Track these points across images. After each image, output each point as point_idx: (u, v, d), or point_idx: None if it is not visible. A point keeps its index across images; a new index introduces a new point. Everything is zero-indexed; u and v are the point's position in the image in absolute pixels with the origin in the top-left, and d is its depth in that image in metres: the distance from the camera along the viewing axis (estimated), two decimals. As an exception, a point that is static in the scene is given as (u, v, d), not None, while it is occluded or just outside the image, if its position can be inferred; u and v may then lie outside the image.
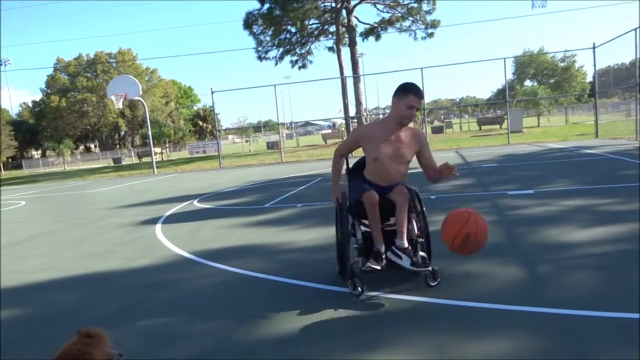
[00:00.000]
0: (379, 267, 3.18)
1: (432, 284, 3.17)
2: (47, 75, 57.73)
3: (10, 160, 53.69)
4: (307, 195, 8.68)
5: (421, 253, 3.30)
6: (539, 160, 11.16)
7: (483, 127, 34.18)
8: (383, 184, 3.39)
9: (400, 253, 3.13)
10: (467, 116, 59.99)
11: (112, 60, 56.80)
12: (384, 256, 3.19)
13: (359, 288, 3.15)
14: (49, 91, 57.70)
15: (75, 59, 57.64)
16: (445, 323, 2.67)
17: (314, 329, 2.75)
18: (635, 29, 13.63)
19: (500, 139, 20.02)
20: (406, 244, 3.17)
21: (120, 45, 71.97)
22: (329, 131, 50.97)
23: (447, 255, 3.79)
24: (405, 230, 3.19)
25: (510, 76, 46.42)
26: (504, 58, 18.44)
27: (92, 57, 57.38)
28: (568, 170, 8.90)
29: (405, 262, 3.11)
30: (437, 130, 35.84)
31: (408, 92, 3.27)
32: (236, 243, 5.22)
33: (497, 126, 32.55)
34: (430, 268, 3.17)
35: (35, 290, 4.12)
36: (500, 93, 43.81)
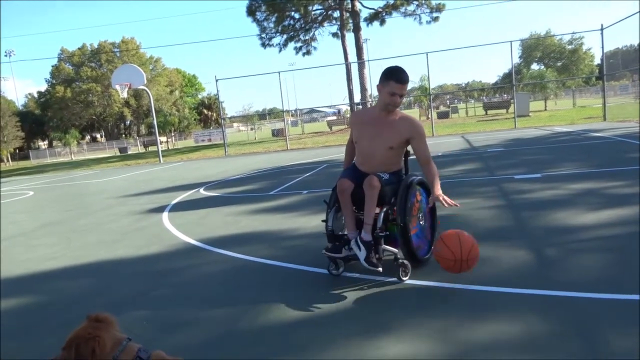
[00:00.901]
0: (333, 255, 3.18)
1: (404, 278, 3.07)
2: (52, 66, 57.79)
3: (17, 151, 54.02)
4: (313, 182, 8.68)
5: (388, 247, 3.17)
6: (546, 144, 11.08)
7: (489, 112, 33.94)
8: (366, 170, 3.29)
9: (361, 245, 3.04)
10: (473, 101, 59.57)
11: (115, 50, 56.73)
12: (346, 247, 3.15)
13: (332, 270, 3.27)
14: (54, 81, 57.81)
15: (79, 48, 57.63)
16: (453, 307, 2.68)
17: (321, 314, 2.77)
18: (645, 9, 13.40)
19: (507, 124, 19.87)
20: (369, 237, 3.06)
21: (124, 35, 71.79)
22: (334, 118, 50.79)
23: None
24: (370, 223, 3.06)
25: (516, 60, 45.90)
26: (511, 41, 18.18)
27: (96, 46, 57.33)
28: (575, 153, 8.83)
29: (361, 255, 3.02)
30: (443, 116, 35.63)
31: (389, 78, 3.13)
32: (243, 230, 5.24)
33: (504, 110, 32.29)
34: (380, 268, 3.02)
35: (47, 278, 4.17)
36: (507, 77, 43.40)
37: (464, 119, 30.73)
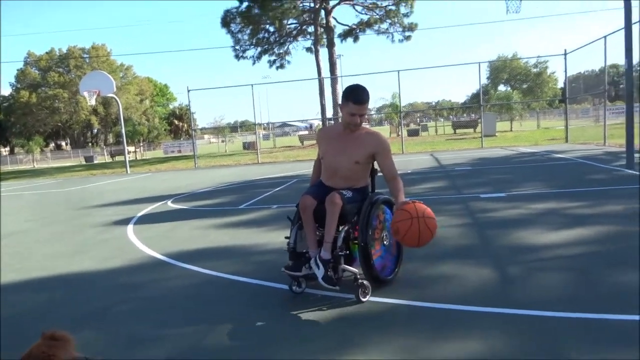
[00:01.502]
0: (292, 273, 3.13)
1: (363, 299, 3.02)
2: (17, 70, 56.09)
3: (-24, 157, 51.95)
4: (283, 196, 8.66)
5: (349, 267, 3.11)
6: (511, 164, 11.39)
7: (458, 131, 34.70)
8: (331, 185, 3.29)
9: (319, 263, 2.99)
10: (442, 119, 60.85)
11: (85, 56, 55.58)
12: (306, 265, 3.10)
13: (294, 288, 3.25)
14: (18, 86, 56.05)
15: (47, 53, 56.21)
16: (418, 324, 2.70)
17: (286, 331, 2.74)
18: (605, 37, 14.04)
19: (474, 143, 20.36)
20: (328, 256, 3.02)
21: (94, 40, 70.45)
22: (306, 132, 50.96)
23: (420, 258, 3.85)
24: (330, 241, 3.03)
25: (484, 81, 47.23)
26: (479, 62, 18.78)
27: (65, 51, 56.02)
28: (539, 174, 9.11)
29: (319, 274, 2.97)
30: (413, 133, 36.22)
31: (348, 98, 3.13)
32: (210, 244, 5.17)
33: (472, 130, 33.07)
34: (337, 288, 3.02)
35: (4, 291, 3.99)
36: (475, 97, 44.56)
37: (433, 137, 31.34)
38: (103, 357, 2.49)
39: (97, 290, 3.85)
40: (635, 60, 8.91)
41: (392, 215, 3.29)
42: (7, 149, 62.98)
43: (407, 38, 27.70)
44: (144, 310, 3.29)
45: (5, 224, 7.88)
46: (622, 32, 8.74)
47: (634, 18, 8.64)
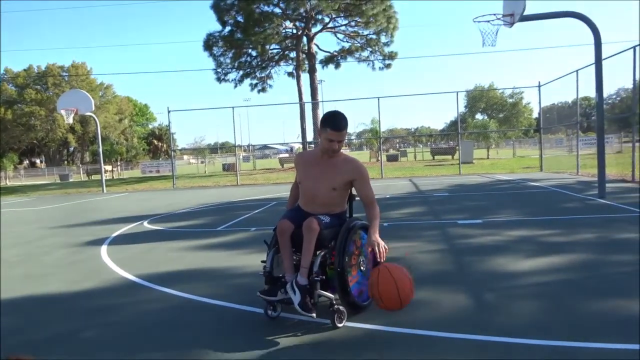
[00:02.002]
0: (267, 298, 3.12)
1: (339, 324, 3.02)
2: (-7, 86, 55.09)
3: (-55, 173, 50.42)
4: (262, 219, 8.61)
5: (325, 293, 3.08)
6: (488, 191, 11.59)
7: (436, 157, 35.25)
8: (309, 210, 3.30)
9: (296, 289, 2.97)
10: (421, 146, 61.73)
11: (64, 74, 55.04)
12: (282, 290, 3.07)
13: (269, 312, 3.24)
14: (-7, 102, 54.97)
15: (24, 70, 55.48)
16: (393, 350, 2.68)
17: (261, 357, 2.70)
18: (577, 71, 14.57)
19: (452, 169, 20.68)
20: (304, 281, 3.00)
21: (74, 59, 69.94)
22: (286, 155, 51.09)
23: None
24: (307, 266, 3.03)
25: (462, 109, 48.31)
26: (457, 92, 19.27)
27: (44, 69, 55.40)
28: (514, 201, 9.28)
29: (296, 299, 2.95)
30: (392, 159, 36.62)
31: (326, 125, 3.14)
32: (186, 266, 5.08)
33: (450, 156, 33.63)
34: (313, 314, 2.97)
35: (-36, 314, 3.84)
36: (453, 125, 45.47)
37: (412, 163, 31.72)
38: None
39: (66, 313, 3.74)
40: (605, 94, 9.25)
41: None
42: (-21, 165, 61.32)
43: (388, 66, 28.27)
44: (114, 335, 3.20)
45: (-28, 243, 7.63)
46: (593, 67, 9.09)
47: (604, 54, 9.00)
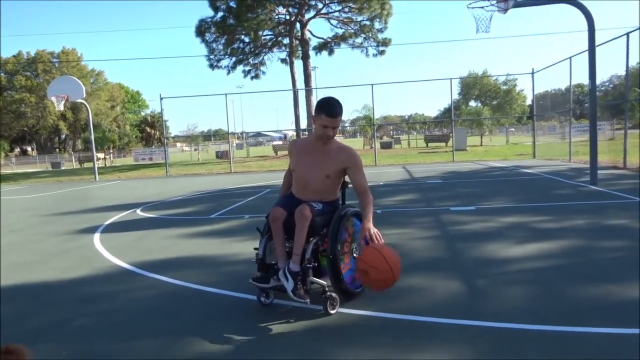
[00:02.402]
0: (260, 284, 3.13)
1: (331, 311, 3.03)
2: (-18, 73, 54.30)
3: None
4: (255, 206, 8.60)
5: (317, 280, 3.10)
6: (481, 178, 11.63)
7: (430, 144, 35.28)
8: (302, 197, 3.29)
9: (288, 276, 2.97)
10: (415, 133, 61.80)
11: (54, 60, 54.32)
12: (274, 277, 3.07)
13: (262, 299, 3.25)
14: (-18, 89, 54.23)
15: (14, 56, 54.63)
16: (386, 336, 2.70)
17: (254, 344, 2.71)
18: (570, 58, 14.57)
19: (446, 156, 20.72)
20: (297, 268, 3.01)
21: (64, 45, 68.96)
22: (280, 142, 50.92)
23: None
24: (299, 253, 3.02)
25: (456, 96, 48.24)
26: (451, 78, 19.13)
27: (33, 55, 54.61)
28: (507, 188, 9.32)
29: (289, 286, 2.96)
30: (386, 146, 36.61)
31: (321, 111, 3.14)
32: (179, 254, 5.08)
33: (443, 144, 33.66)
34: (307, 300, 2.97)
35: (-45, 303, 3.82)
36: (447, 112, 45.42)
37: (405, 150, 31.75)
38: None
39: (58, 301, 3.72)
40: (598, 81, 9.27)
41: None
42: (-31, 153, 60.70)
43: (381, 53, 28.16)
44: (106, 323, 3.20)
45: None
46: (586, 54, 9.08)
47: (597, 41, 8.99)
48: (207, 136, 44.94)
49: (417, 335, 2.70)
